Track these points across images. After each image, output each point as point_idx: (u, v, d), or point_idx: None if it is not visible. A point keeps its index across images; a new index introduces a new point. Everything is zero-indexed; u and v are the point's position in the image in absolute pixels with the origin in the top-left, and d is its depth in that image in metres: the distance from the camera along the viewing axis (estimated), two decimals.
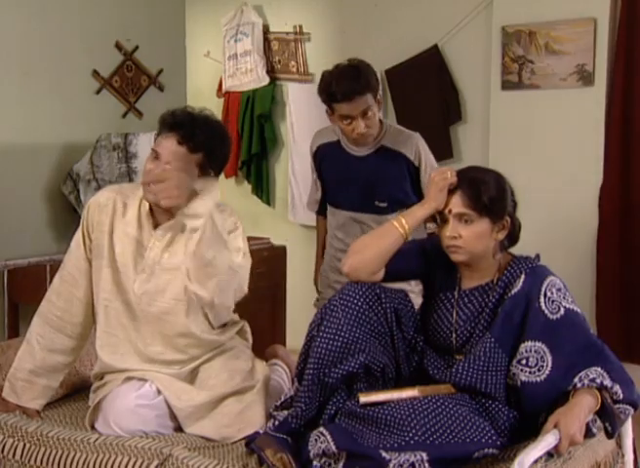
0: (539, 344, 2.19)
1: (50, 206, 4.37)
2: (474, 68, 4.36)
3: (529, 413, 2.20)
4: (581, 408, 2.09)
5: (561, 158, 4.07)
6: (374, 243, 2.38)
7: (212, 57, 5.17)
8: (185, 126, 2.40)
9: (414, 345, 2.41)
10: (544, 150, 4.11)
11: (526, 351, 2.20)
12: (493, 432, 2.13)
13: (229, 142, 2.57)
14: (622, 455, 2.37)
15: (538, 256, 2.38)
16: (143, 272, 2.49)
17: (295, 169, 4.86)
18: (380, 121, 3.13)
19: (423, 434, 2.04)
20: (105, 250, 2.51)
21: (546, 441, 2.02)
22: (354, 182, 3.14)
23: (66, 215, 4.34)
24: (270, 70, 4.98)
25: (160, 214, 2.50)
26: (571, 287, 2.31)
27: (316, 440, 2.14)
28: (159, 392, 2.45)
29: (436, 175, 2.35)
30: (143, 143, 4.12)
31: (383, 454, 2.01)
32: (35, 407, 2.56)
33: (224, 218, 2.50)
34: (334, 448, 2.09)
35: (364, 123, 2.97)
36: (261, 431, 2.35)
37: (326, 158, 3.23)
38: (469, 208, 2.27)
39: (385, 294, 2.35)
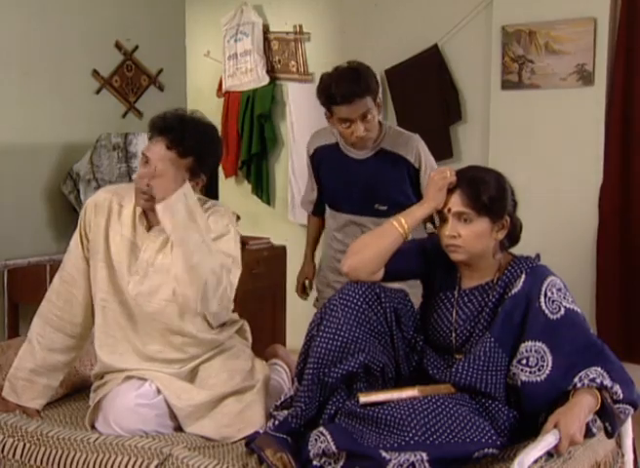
0: (539, 344, 2.19)
1: (50, 206, 4.37)
2: (474, 68, 4.37)
3: (529, 413, 2.20)
4: (581, 407, 2.09)
5: (561, 158, 4.07)
6: (373, 243, 2.38)
7: (212, 56, 5.17)
8: (175, 130, 2.38)
9: (413, 345, 2.41)
10: (544, 150, 4.11)
11: (526, 351, 2.20)
12: (493, 432, 2.13)
13: (220, 146, 2.56)
14: (622, 455, 2.37)
15: (538, 256, 2.38)
16: (137, 273, 2.49)
17: (295, 168, 4.86)
18: (380, 123, 3.10)
19: (423, 434, 2.04)
20: (102, 250, 2.52)
21: (546, 440, 2.02)
22: (354, 186, 3.12)
23: (66, 215, 4.34)
24: (270, 70, 4.98)
25: (154, 216, 2.49)
26: (571, 287, 2.31)
27: (316, 439, 2.14)
28: (159, 391, 2.45)
29: (435, 175, 2.35)
30: (143, 143, 4.09)
31: (383, 454, 2.01)
32: (35, 406, 2.57)
33: (216, 221, 2.50)
34: (333, 447, 2.09)
35: (363, 126, 2.93)
36: (261, 431, 2.35)
37: (324, 161, 3.20)
38: (468, 207, 2.26)
39: (385, 294, 2.35)
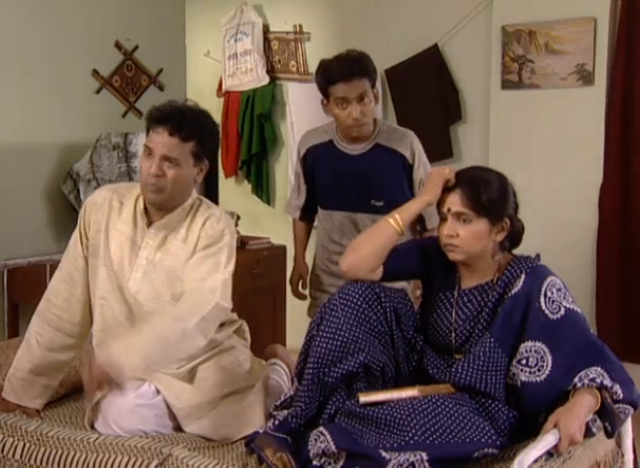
0: (539, 344, 2.19)
1: (50, 205, 4.37)
2: (474, 68, 4.37)
3: (529, 413, 2.20)
4: (581, 407, 2.09)
5: (561, 158, 4.07)
6: (369, 240, 2.39)
7: (212, 56, 5.17)
8: (174, 117, 2.43)
9: (413, 344, 2.41)
10: (544, 150, 4.11)
11: (526, 351, 2.20)
12: (493, 432, 2.13)
13: (218, 129, 2.62)
14: (622, 455, 2.37)
15: (538, 256, 2.37)
16: (137, 271, 2.50)
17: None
18: (375, 120, 3.12)
19: (423, 434, 2.04)
20: (101, 249, 2.53)
21: (546, 440, 2.02)
22: (350, 181, 3.11)
23: (66, 215, 4.34)
24: (270, 70, 4.98)
25: (154, 214, 2.52)
26: (571, 287, 2.31)
27: (316, 439, 2.14)
28: (158, 392, 2.45)
29: (434, 171, 2.38)
30: (143, 143, 4.12)
31: (383, 454, 2.01)
32: (35, 406, 2.57)
33: (212, 226, 2.51)
34: (333, 447, 2.09)
35: (360, 108, 2.95)
36: (261, 431, 2.35)
37: (319, 159, 3.19)
38: (468, 207, 2.26)
39: (385, 294, 2.35)
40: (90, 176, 4.20)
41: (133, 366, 2.24)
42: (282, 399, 2.43)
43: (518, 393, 2.21)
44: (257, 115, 4.96)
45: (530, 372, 2.18)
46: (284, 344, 4.09)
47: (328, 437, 2.12)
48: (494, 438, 2.11)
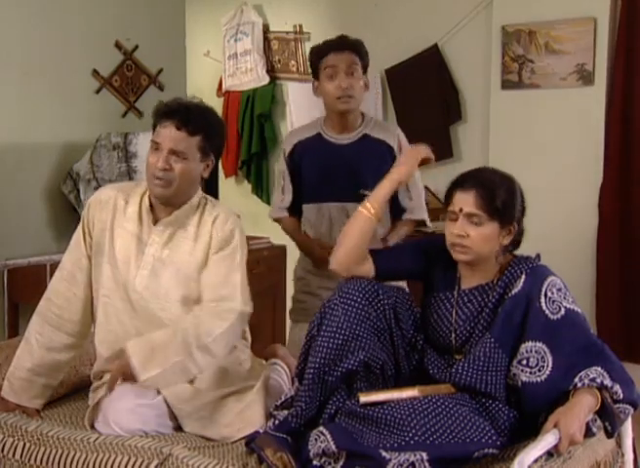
0: (539, 344, 2.19)
1: (50, 205, 4.37)
2: (474, 68, 4.37)
3: (529, 414, 2.20)
4: (581, 407, 2.09)
5: (561, 158, 4.07)
6: (347, 231, 2.42)
7: (212, 56, 5.17)
8: (181, 112, 2.45)
9: (414, 344, 2.41)
10: (544, 150, 4.11)
11: (526, 351, 2.20)
12: (493, 432, 2.13)
13: (224, 124, 2.64)
14: (622, 455, 2.37)
15: (538, 256, 2.37)
16: (144, 268, 2.50)
17: None
18: (362, 113, 3.14)
19: (423, 434, 2.04)
20: (106, 247, 2.53)
21: (546, 440, 2.02)
22: (338, 171, 3.10)
23: (66, 215, 4.34)
24: (270, 70, 4.98)
25: (160, 211, 2.52)
26: (571, 287, 2.31)
27: (316, 439, 2.14)
28: (158, 392, 2.44)
29: (410, 150, 2.48)
30: (143, 143, 4.11)
31: (383, 454, 2.01)
32: (35, 406, 2.56)
33: (222, 227, 2.51)
34: (333, 447, 2.09)
35: (349, 80, 2.98)
36: (261, 430, 2.35)
37: (307, 153, 3.17)
38: (481, 209, 2.26)
39: (383, 291, 2.36)
40: (90, 176, 4.20)
41: (150, 378, 2.32)
42: (282, 399, 2.43)
43: (519, 393, 2.21)
44: (257, 115, 4.96)
45: (530, 373, 2.18)
46: (284, 344, 4.08)
47: (328, 437, 2.12)
48: (494, 438, 2.11)
